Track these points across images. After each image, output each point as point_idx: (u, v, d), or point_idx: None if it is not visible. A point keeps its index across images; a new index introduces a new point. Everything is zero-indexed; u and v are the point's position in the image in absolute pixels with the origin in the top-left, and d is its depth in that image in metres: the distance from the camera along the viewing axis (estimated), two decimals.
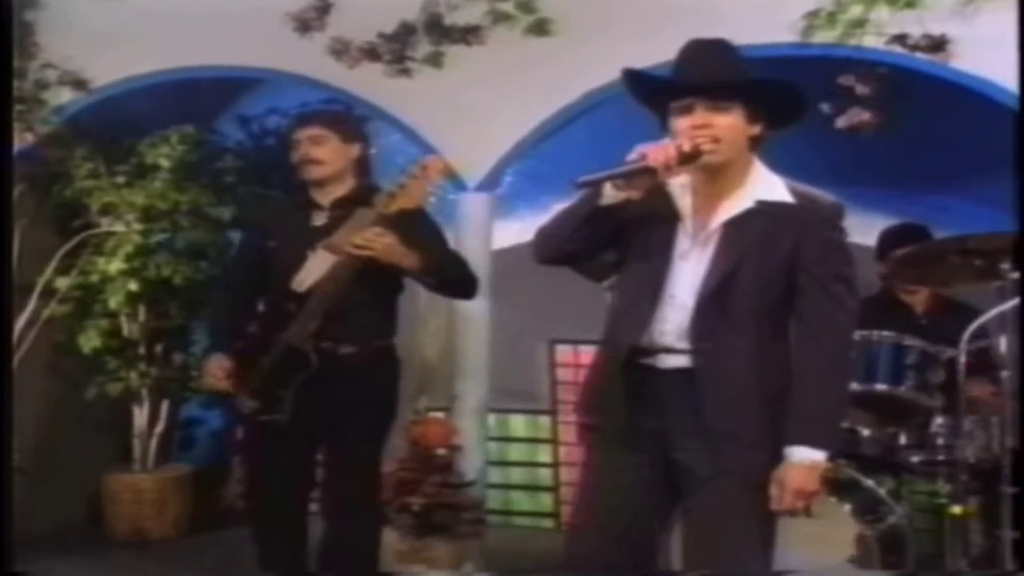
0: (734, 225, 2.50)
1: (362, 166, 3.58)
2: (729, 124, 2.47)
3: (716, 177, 2.52)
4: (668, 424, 2.52)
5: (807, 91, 2.56)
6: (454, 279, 3.54)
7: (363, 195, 3.48)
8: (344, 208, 3.45)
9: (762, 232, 2.49)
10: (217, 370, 3.47)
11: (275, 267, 3.48)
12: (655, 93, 2.58)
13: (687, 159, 2.44)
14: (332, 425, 3.42)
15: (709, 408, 2.46)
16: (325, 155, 3.48)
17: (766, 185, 2.54)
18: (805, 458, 2.44)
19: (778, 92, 2.54)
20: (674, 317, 2.51)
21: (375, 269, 3.32)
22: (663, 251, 2.54)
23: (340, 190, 3.50)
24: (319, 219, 3.48)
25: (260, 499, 3.60)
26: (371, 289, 3.39)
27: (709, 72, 2.49)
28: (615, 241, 2.61)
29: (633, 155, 2.44)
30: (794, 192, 2.53)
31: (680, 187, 2.55)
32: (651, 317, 2.52)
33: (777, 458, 2.46)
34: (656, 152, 2.42)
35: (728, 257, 2.49)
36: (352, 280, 3.32)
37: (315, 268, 3.36)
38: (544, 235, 2.67)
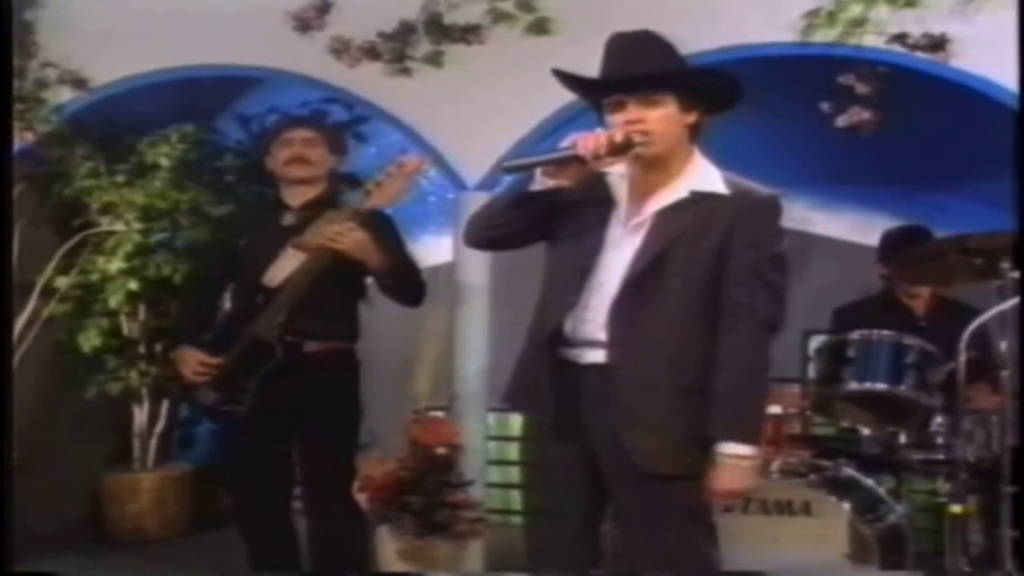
0: (666, 214, 2.48)
1: (333, 176, 3.71)
2: (662, 116, 2.45)
3: (653, 167, 2.51)
4: (590, 419, 2.49)
5: (738, 78, 2.52)
6: (408, 284, 3.58)
7: (330, 199, 3.62)
8: (312, 210, 3.54)
9: (693, 221, 2.45)
10: (197, 364, 3.50)
11: (245, 264, 3.57)
12: (588, 91, 2.58)
13: (619, 149, 2.43)
14: (300, 422, 3.47)
15: (623, 400, 2.43)
16: (315, 157, 3.59)
17: (702, 176, 2.51)
18: (735, 453, 2.40)
19: (707, 80, 2.52)
20: (599, 305, 2.48)
21: (342, 270, 3.40)
22: (595, 238, 2.52)
23: (311, 193, 3.59)
24: (288, 219, 3.57)
25: (240, 497, 3.64)
26: (337, 290, 3.47)
27: (636, 67, 2.46)
28: (545, 228, 2.58)
29: (565, 142, 2.44)
30: (730, 184, 2.50)
31: (618, 176, 2.54)
32: (577, 303, 2.50)
33: (697, 449, 2.43)
34: (587, 141, 2.41)
35: (656, 244, 2.45)
36: (320, 276, 3.39)
37: (285, 266, 3.44)
38: (474, 217, 2.67)
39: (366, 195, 3.41)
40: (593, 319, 2.48)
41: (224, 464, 3.80)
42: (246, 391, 3.44)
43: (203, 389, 3.52)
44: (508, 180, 4.74)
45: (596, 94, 2.54)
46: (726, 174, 2.53)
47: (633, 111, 2.45)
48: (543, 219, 2.55)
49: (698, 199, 2.47)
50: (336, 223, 3.37)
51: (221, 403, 3.50)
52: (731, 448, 2.40)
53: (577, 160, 2.42)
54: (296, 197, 3.59)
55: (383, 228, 3.49)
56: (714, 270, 2.44)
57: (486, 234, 2.64)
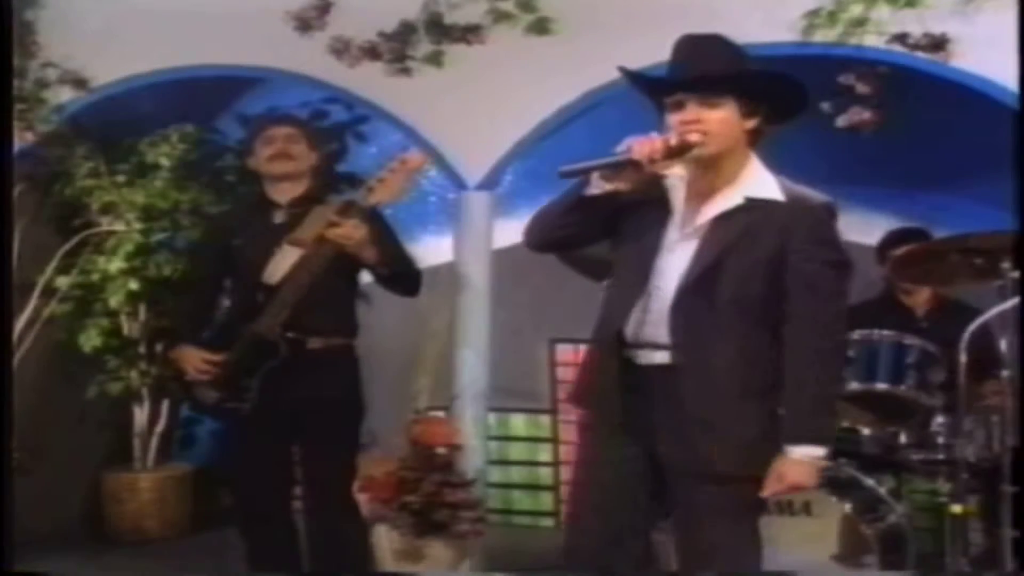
0: (720, 221, 2.50)
1: (317, 172, 3.73)
2: (720, 118, 2.46)
3: (709, 171, 2.52)
4: (653, 419, 2.53)
5: (804, 84, 2.54)
6: (404, 275, 3.61)
7: (318, 194, 3.65)
8: (302, 206, 3.57)
9: (746, 228, 2.48)
10: (200, 362, 3.53)
11: (241, 263, 3.59)
12: (650, 90, 2.59)
13: (674, 153, 2.44)
14: (302, 419, 3.48)
15: (688, 403, 2.46)
16: (297, 153, 3.62)
17: (758, 183, 2.53)
18: (807, 455, 2.44)
19: (770, 84, 2.52)
20: (658, 308, 2.51)
21: (340, 267, 3.44)
22: (653, 243, 2.55)
23: (298, 189, 3.62)
24: (279, 217, 3.59)
25: (241, 495, 3.66)
26: (337, 285, 3.51)
27: (698, 67, 2.48)
28: (607, 230, 2.62)
29: (621, 147, 2.46)
30: (787, 191, 2.52)
31: (677, 180, 2.56)
32: (637, 307, 2.53)
33: (761, 452, 2.46)
34: (641, 145, 2.42)
35: (710, 252, 2.48)
36: (322, 273, 3.41)
37: (283, 262, 3.46)
38: (534, 220, 2.68)
39: (368, 191, 3.42)
40: (653, 321, 2.51)
41: (226, 462, 3.81)
42: (249, 389, 3.46)
43: (204, 388, 3.54)
44: (511, 180, 4.79)
45: (658, 93, 2.55)
46: (784, 181, 2.54)
47: (692, 111, 2.46)
48: (602, 221, 2.58)
49: (752, 206, 2.49)
50: (333, 218, 3.38)
51: (223, 401, 3.52)
52: (807, 450, 2.45)
53: (633, 164, 2.44)
54: (283, 194, 3.61)
55: (378, 222, 3.52)
56: (770, 278, 2.47)
57: (553, 234, 2.66)
